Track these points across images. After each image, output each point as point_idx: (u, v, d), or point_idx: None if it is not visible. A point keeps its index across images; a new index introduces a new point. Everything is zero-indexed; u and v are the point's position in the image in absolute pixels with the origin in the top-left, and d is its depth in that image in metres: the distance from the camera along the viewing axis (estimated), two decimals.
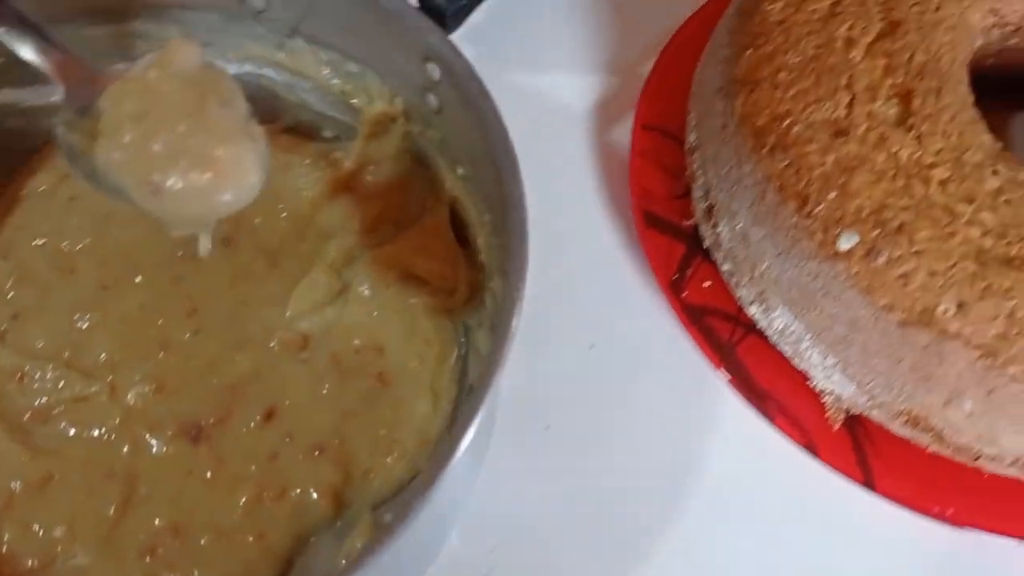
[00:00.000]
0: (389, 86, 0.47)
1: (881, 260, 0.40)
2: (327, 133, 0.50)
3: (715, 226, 0.47)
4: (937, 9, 0.45)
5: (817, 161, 0.42)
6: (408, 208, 0.48)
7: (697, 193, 0.48)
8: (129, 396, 0.44)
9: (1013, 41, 0.48)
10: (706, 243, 0.48)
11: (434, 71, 0.42)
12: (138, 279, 0.47)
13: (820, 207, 0.41)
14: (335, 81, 0.48)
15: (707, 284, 0.48)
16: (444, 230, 0.47)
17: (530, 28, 0.58)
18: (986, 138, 0.42)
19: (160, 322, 0.46)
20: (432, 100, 0.44)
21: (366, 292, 0.46)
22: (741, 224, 0.44)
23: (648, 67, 0.55)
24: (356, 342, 0.46)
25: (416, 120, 0.47)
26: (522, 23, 0.58)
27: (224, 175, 0.37)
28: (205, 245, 0.41)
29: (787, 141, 0.43)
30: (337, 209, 0.48)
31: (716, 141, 0.46)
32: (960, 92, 0.43)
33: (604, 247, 0.51)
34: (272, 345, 0.46)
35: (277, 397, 0.45)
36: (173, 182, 0.37)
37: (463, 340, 0.46)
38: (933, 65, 0.44)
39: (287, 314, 0.46)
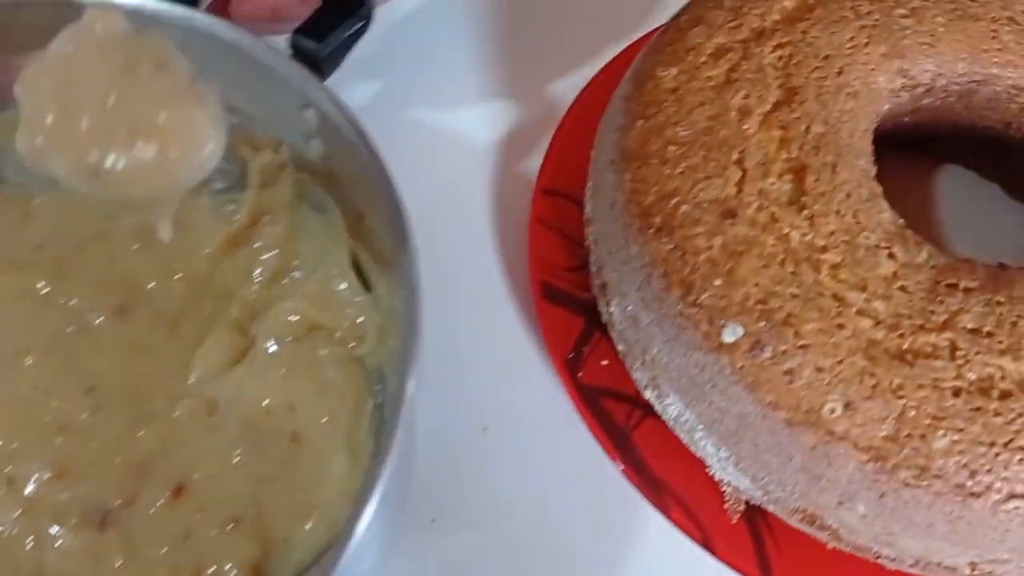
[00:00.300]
0: (273, 135, 0.45)
1: (766, 355, 0.37)
2: (218, 185, 0.48)
3: (608, 304, 0.44)
4: (839, 73, 0.43)
5: (703, 245, 0.39)
6: (309, 257, 0.46)
7: (592, 268, 0.46)
8: (28, 486, 0.42)
9: (926, 101, 0.46)
10: (603, 319, 0.46)
11: (312, 119, 0.40)
12: (28, 361, 0.44)
13: (705, 295, 0.39)
14: None
15: (605, 363, 0.46)
16: (347, 277, 0.45)
17: (440, 60, 0.56)
18: (885, 216, 0.40)
19: (55, 404, 0.43)
20: (317, 147, 0.42)
21: (272, 349, 0.44)
22: (631, 307, 0.42)
23: (563, 108, 0.53)
24: (266, 402, 0.44)
25: (305, 168, 0.45)
26: (429, 54, 0.56)
27: (172, 143, 0.33)
28: (165, 232, 0.37)
29: (673, 223, 0.40)
30: (236, 264, 0.46)
31: (606, 217, 0.44)
32: (859, 167, 0.41)
33: (503, 315, 0.49)
34: (177, 416, 0.43)
35: (186, 471, 0.43)
36: (113, 160, 0.33)
37: (378, 388, 0.44)
38: (832, 136, 0.41)
39: (191, 381, 0.44)
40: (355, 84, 0.54)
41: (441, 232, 0.52)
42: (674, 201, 0.40)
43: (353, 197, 0.43)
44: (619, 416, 0.45)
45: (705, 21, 0.45)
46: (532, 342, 0.48)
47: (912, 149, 0.51)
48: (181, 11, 0.41)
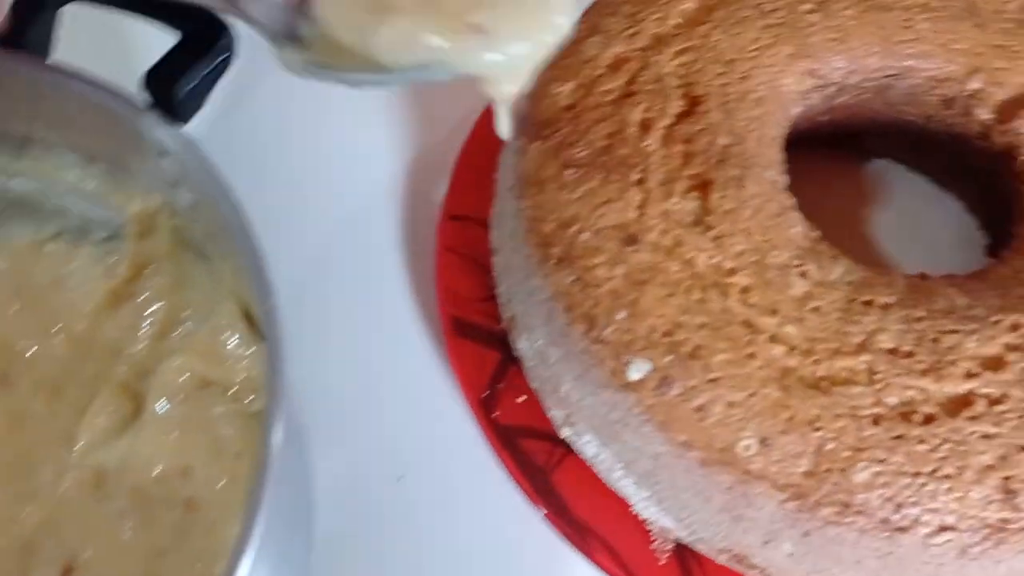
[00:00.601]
0: (141, 183, 0.41)
1: (675, 391, 0.35)
2: (98, 235, 0.45)
3: (518, 339, 0.42)
4: (744, 78, 0.40)
5: (605, 275, 0.37)
6: (198, 308, 0.43)
7: (501, 299, 0.43)
8: None
9: (841, 100, 0.44)
10: (516, 353, 0.43)
11: (171, 167, 0.38)
12: None
13: (609, 330, 0.36)
14: (88, 182, 0.43)
15: (522, 399, 0.43)
16: (237, 328, 0.42)
17: (329, 84, 0.53)
18: (796, 231, 0.38)
19: None
20: (185, 194, 0.39)
21: (163, 409, 0.41)
22: (540, 342, 0.40)
23: (470, 126, 0.50)
24: (158, 469, 0.41)
25: (179, 214, 0.42)
26: (307, 90, 0.53)
27: None
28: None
29: (574, 252, 0.38)
30: (120, 320, 0.43)
31: (509, 247, 0.41)
32: (767, 179, 0.38)
33: (416, 354, 0.46)
34: (64, 489, 0.41)
35: (75, 549, 0.40)
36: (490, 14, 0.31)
37: None
38: (738, 148, 0.39)
39: (77, 450, 0.41)
40: (230, 121, 0.51)
41: (345, 267, 0.49)
42: (574, 229, 0.38)
43: (223, 243, 0.40)
44: (539, 456, 0.42)
45: (601, 30, 0.42)
46: (447, 381, 0.45)
47: (837, 145, 0.49)
48: (27, 66, 0.38)
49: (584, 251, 0.37)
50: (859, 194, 0.50)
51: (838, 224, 0.49)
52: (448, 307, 0.45)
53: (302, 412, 0.42)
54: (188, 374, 0.41)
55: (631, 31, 0.41)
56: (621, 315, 0.36)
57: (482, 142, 0.49)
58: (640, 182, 0.38)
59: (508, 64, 0.32)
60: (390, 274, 0.48)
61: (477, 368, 0.44)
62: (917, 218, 0.48)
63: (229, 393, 0.41)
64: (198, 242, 0.42)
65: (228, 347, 0.41)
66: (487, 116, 0.50)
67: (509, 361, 0.44)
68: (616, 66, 0.41)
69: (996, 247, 0.44)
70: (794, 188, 0.40)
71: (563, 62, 0.42)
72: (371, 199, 0.50)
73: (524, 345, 0.41)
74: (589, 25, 0.43)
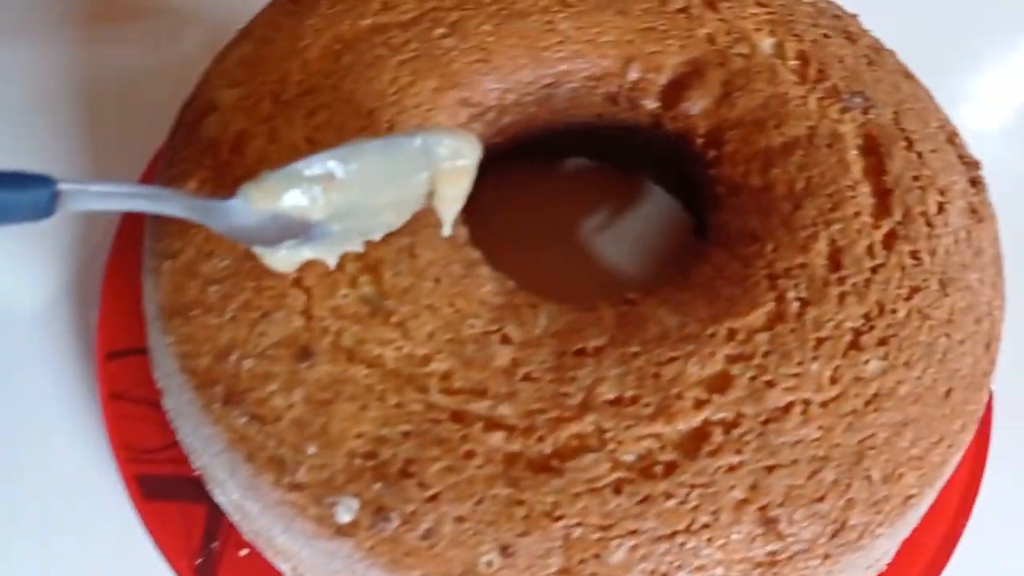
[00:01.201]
0: None
1: (394, 523, 0.29)
2: None
3: (214, 492, 0.35)
4: (391, 127, 0.35)
5: (283, 405, 0.31)
6: None
7: (185, 448, 0.36)
8: None
9: (506, 120, 0.40)
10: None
11: None
12: None
13: (302, 471, 0.30)
14: None
15: (245, 552, 0.37)
16: None
17: None
18: (487, 290, 0.33)
19: None
20: None
21: None
22: (235, 496, 0.33)
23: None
24: None
25: None
26: None
27: None
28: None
29: (240, 386, 0.31)
30: None
31: (172, 390, 0.34)
32: (442, 238, 0.34)
33: (105, 534, 0.38)
34: None
35: None
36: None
37: None
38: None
39: None
40: None
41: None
42: (234, 357, 0.31)
43: None
44: None
45: (217, 105, 0.36)
46: (155, 554, 0.38)
47: (531, 155, 0.45)
48: None
49: (251, 382, 0.31)
50: (565, 201, 0.46)
51: (548, 240, 0.46)
52: (130, 466, 0.38)
53: None
54: None
55: (249, 101, 0.35)
56: (311, 449, 0.30)
57: (127, 257, 0.41)
58: (298, 281, 0.32)
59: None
60: (58, 434, 0.40)
61: (184, 530, 0.37)
62: (623, 211, 0.46)
63: None
64: None
65: None
66: (129, 225, 0.42)
67: (220, 513, 0.37)
68: (238, 147, 0.34)
69: (702, 230, 0.42)
70: (493, 216, 0.36)
71: (184, 152, 0.35)
72: (15, 342, 0.41)
73: (222, 499, 0.34)
74: (203, 101, 0.36)
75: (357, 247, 0.32)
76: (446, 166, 0.31)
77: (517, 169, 0.45)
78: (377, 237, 0.32)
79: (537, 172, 0.46)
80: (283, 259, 0.31)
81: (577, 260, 0.44)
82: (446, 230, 0.33)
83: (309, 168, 0.30)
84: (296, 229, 0.30)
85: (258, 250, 0.31)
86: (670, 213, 0.46)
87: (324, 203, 0.30)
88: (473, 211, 0.40)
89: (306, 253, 0.31)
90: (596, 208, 0.46)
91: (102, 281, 0.41)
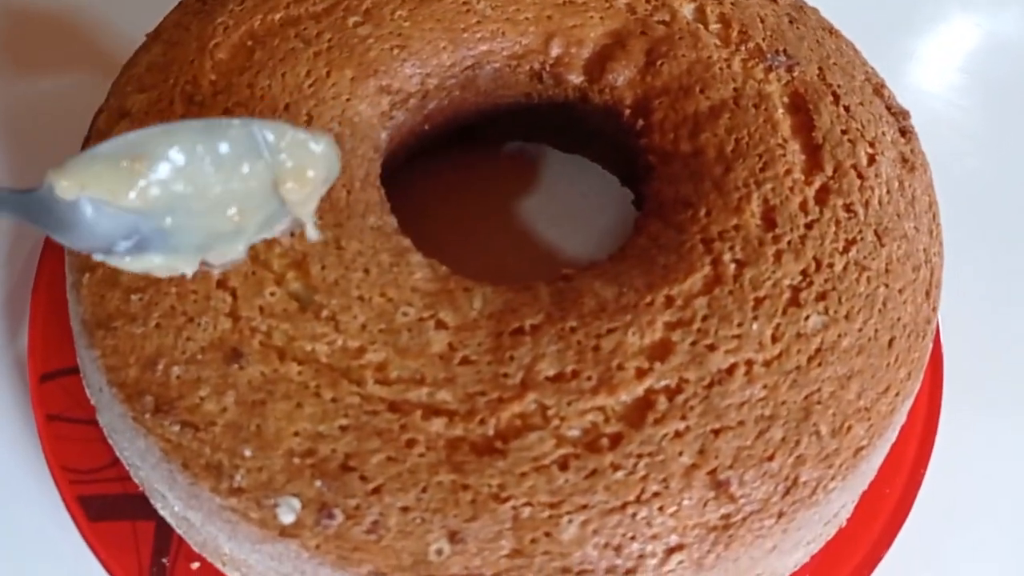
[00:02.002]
0: None
1: (338, 519, 0.29)
2: None
3: (157, 506, 0.34)
4: (309, 120, 0.35)
5: (215, 409, 0.30)
6: None
7: (126, 464, 0.35)
8: None
9: (431, 106, 0.39)
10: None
11: None
12: None
13: (239, 475, 0.29)
14: None
15: (196, 565, 0.36)
16: None
17: None
18: (418, 277, 0.32)
19: None
20: None
21: None
22: (177, 507, 0.32)
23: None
24: None
25: None
26: None
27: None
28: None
29: (170, 394, 0.30)
30: None
31: (104, 405, 0.33)
32: (369, 227, 0.33)
33: (48, 558, 0.37)
34: None
35: None
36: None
37: None
38: (324, 204, 0.33)
39: None
40: None
41: None
42: (161, 366, 0.30)
43: None
44: None
45: (129, 111, 0.35)
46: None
47: (462, 140, 0.45)
48: None
49: (181, 388, 0.30)
50: (501, 185, 0.46)
51: (489, 226, 0.46)
52: (70, 488, 0.36)
53: None
54: None
55: (160, 104, 0.34)
56: (248, 452, 0.29)
57: (54, 275, 0.40)
58: (222, 282, 0.31)
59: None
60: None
61: (133, 548, 0.36)
62: (563, 191, 0.45)
63: None
64: None
65: None
66: (51, 247, 0.41)
67: (168, 527, 0.36)
68: None
69: (640, 202, 0.42)
70: (428, 204, 0.35)
71: None
72: None
73: (165, 513, 0.33)
74: (114, 108, 0.35)
75: (220, 257, 0.29)
76: (287, 165, 0.28)
77: (451, 156, 0.45)
78: (241, 248, 0.29)
79: (471, 158, 0.46)
80: (131, 266, 0.29)
81: (517, 244, 0.44)
82: (310, 233, 0.30)
83: (117, 148, 0.27)
84: (126, 226, 0.28)
85: (105, 259, 0.28)
86: (608, 189, 0.46)
87: (143, 189, 0.27)
88: (407, 199, 0.40)
89: (155, 260, 0.28)
90: (533, 190, 0.46)
91: (30, 301, 0.40)
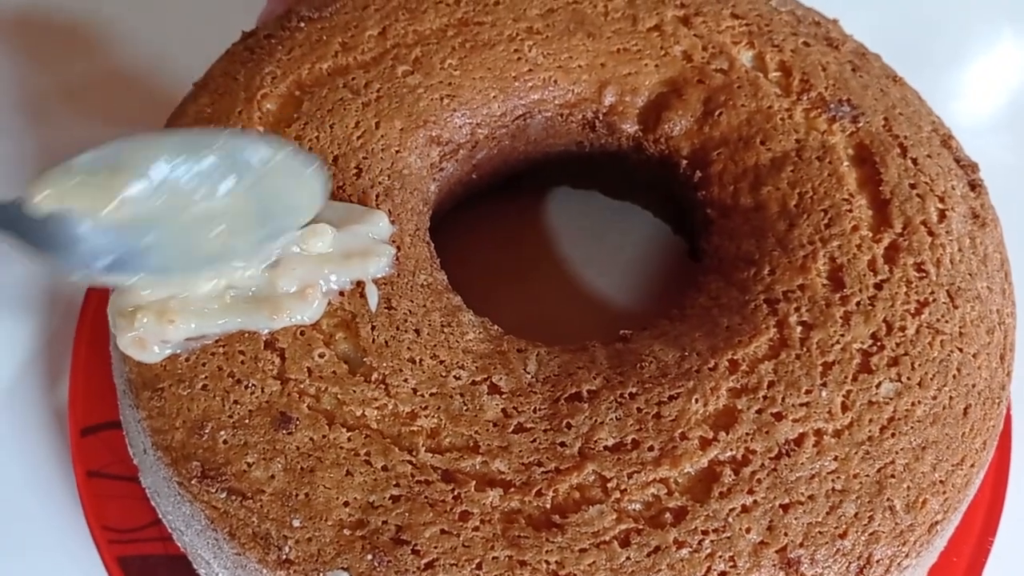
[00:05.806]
0: None
1: None
2: None
3: (200, 571, 0.33)
4: (359, 173, 0.34)
5: (263, 476, 0.29)
6: None
7: (168, 526, 0.34)
8: None
9: (481, 155, 0.38)
10: None
11: None
12: None
13: (288, 546, 0.28)
14: None
15: None
16: None
17: None
18: (471, 338, 0.31)
19: None
20: None
21: None
22: (222, 575, 0.31)
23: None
24: None
25: None
26: None
27: None
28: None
29: (216, 459, 0.29)
30: None
31: (148, 467, 0.32)
32: (420, 285, 0.32)
33: None
34: None
35: None
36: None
37: None
38: None
39: None
40: None
41: None
42: (208, 429, 0.30)
43: None
44: None
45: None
46: None
47: (520, 187, 0.43)
48: None
49: (228, 454, 0.29)
50: (550, 233, 0.45)
51: (539, 275, 0.44)
52: (110, 549, 0.36)
53: None
54: None
55: None
56: (297, 522, 0.28)
57: (95, 326, 0.40)
58: (271, 343, 0.30)
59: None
60: (32, 520, 0.38)
61: None
62: (614, 239, 0.44)
63: None
64: None
65: None
66: (95, 292, 0.40)
67: None
68: None
69: (695, 253, 0.41)
70: (475, 254, 0.34)
71: None
72: None
73: None
74: None
75: (199, 280, 0.29)
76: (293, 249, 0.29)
77: (498, 204, 0.44)
78: (229, 270, 0.29)
79: (519, 205, 0.45)
80: (126, 296, 0.28)
81: (566, 294, 0.43)
82: (371, 300, 0.31)
83: (96, 161, 0.27)
84: (105, 242, 0.27)
85: (85, 278, 0.28)
86: (660, 238, 0.44)
87: (122, 203, 0.27)
88: (453, 251, 0.38)
89: (139, 280, 0.28)
90: (583, 238, 0.45)
91: (71, 354, 0.39)
